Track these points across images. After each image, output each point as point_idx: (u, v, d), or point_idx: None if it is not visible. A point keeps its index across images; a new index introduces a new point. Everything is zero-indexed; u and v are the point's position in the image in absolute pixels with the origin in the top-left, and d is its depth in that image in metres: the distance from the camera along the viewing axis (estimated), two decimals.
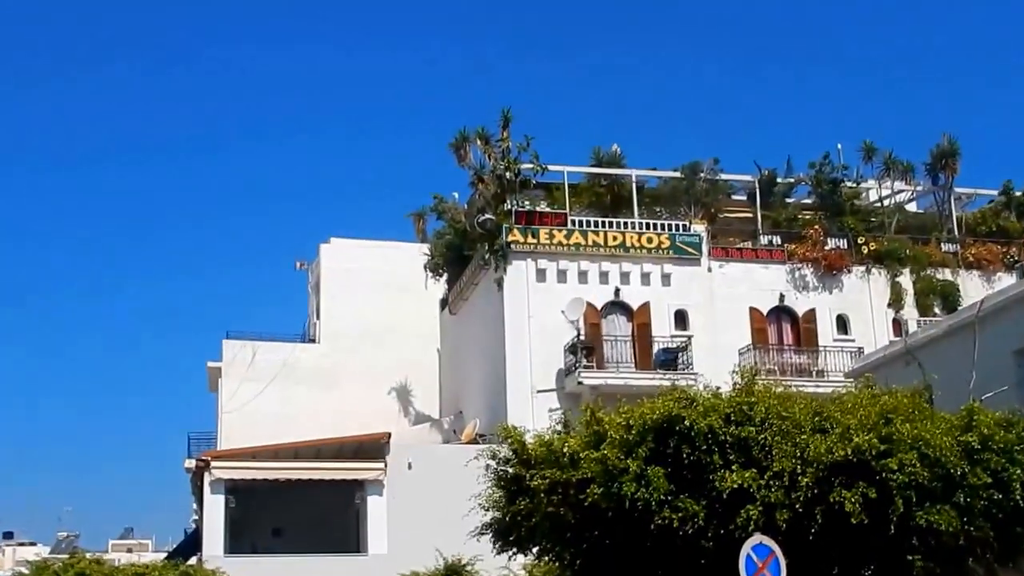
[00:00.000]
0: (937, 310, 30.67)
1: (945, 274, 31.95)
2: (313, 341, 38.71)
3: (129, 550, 69.17)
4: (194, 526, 36.17)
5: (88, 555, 27.11)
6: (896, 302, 31.37)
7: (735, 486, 12.39)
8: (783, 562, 12.11)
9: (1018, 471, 12.82)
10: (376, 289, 37.78)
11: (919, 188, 34.62)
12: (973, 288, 30.76)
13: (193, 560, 27.60)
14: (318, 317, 38.80)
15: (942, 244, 32.74)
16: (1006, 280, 30.05)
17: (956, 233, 33.31)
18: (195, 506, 33.22)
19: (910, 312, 31.10)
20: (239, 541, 27.18)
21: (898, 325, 30.47)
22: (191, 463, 29.32)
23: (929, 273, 31.84)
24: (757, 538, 12.16)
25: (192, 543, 31.82)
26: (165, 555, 35.97)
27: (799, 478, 12.42)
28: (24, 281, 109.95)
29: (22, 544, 74.26)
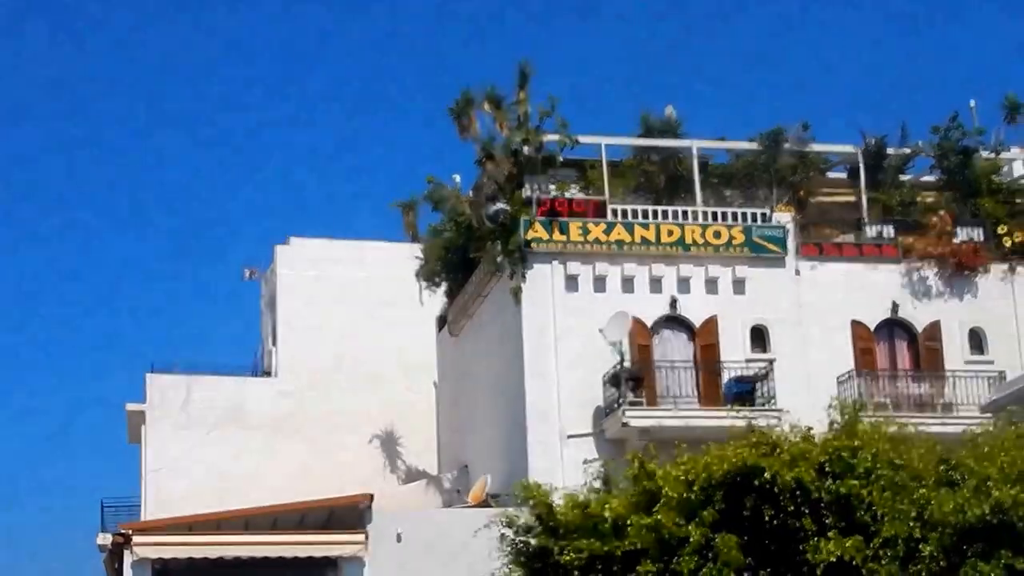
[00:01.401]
0: None
1: None
2: (268, 374, 38.87)
3: None
4: None
5: None
6: None
7: (833, 558, 12.47)
8: None
9: None
10: (351, 304, 37.90)
11: None
12: None
13: None
14: (274, 343, 38.95)
15: None
16: None
17: None
18: None
19: None
20: None
21: None
22: (106, 538, 29.43)
23: None
24: None
25: None
26: None
27: (920, 546, 12.50)
28: None
29: None
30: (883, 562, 12.67)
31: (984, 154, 33.21)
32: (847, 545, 12.73)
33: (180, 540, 26.86)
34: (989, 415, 19.08)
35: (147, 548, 26.57)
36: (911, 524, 12.82)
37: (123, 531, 27.42)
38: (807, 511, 13.04)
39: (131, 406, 37.73)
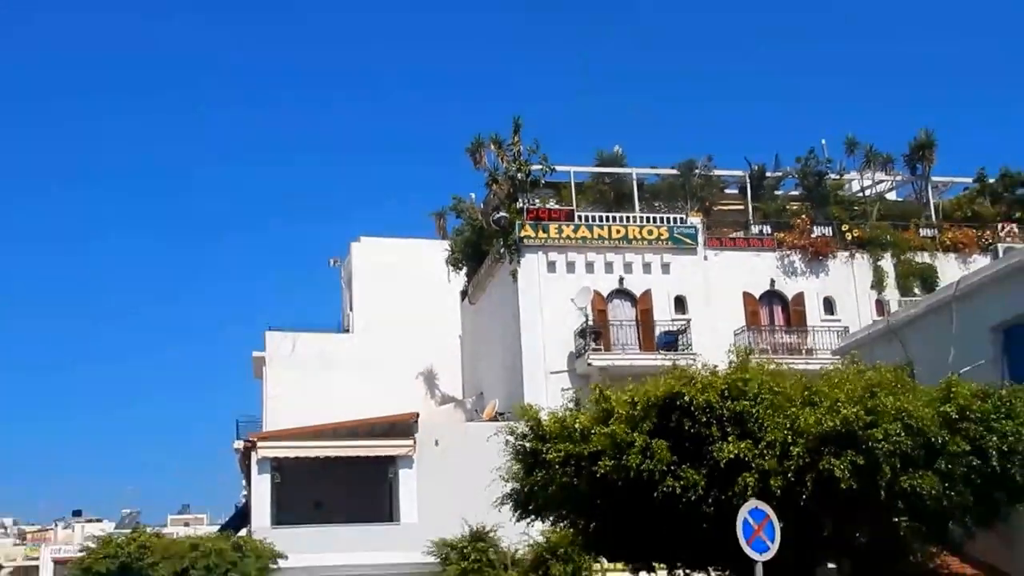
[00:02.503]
0: (917, 291, 30.40)
1: (924, 257, 31.68)
2: (347, 331, 38.76)
3: (186, 524, 69.67)
4: (243, 501, 36.22)
5: (149, 529, 27.44)
6: (878, 284, 31.14)
7: (732, 456, 12.29)
8: (777, 525, 12.02)
9: (994, 439, 12.68)
10: (403, 283, 37.75)
11: (899, 178, 34.34)
12: (950, 270, 30.46)
13: (243, 532, 27.70)
14: (351, 309, 38.83)
15: (921, 229, 32.42)
16: (981, 261, 29.67)
17: (934, 219, 33.03)
18: (244, 483, 33.27)
19: (892, 293, 30.88)
20: (284, 513, 27.23)
21: (881, 306, 30.25)
22: (240, 444, 29.35)
23: (909, 257, 31.58)
24: (753, 503, 12.07)
25: (242, 516, 31.89)
26: (218, 528, 36.13)
27: (791, 448, 12.31)
28: (96, 289, 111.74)
29: (90, 521, 74.89)
30: (766, 459, 12.43)
31: (832, 176, 33.09)
32: (741, 447, 12.49)
33: (290, 445, 26.84)
34: (838, 357, 18.85)
35: (267, 451, 26.54)
36: (785, 432, 12.58)
37: (251, 439, 27.35)
38: (714, 423, 12.81)
39: (255, 353, 37.73)
